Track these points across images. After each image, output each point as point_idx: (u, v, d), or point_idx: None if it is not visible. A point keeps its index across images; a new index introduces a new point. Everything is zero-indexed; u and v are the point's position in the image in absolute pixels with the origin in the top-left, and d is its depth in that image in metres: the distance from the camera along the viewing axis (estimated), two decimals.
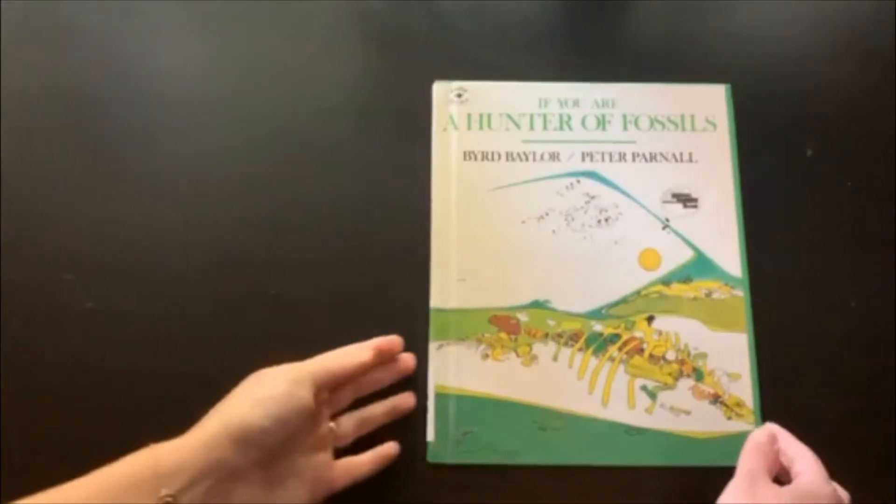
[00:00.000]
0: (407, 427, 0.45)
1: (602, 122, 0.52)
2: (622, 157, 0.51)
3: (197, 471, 0.35)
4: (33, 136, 0.51)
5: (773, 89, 0.54)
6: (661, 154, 0.51)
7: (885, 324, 0.49)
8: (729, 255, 0.49)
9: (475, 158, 0.51)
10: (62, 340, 0.47)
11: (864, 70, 0.54)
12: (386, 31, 0.55)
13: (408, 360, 0.46)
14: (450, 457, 0.45)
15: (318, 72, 0.54)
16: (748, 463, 0.39)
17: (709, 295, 0.48)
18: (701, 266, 0.49)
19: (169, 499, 0.34)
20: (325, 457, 0.41)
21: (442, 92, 0.52)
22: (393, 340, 0.45)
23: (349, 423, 0.43)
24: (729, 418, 0.46)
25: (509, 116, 0.52)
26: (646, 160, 0.51)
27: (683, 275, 0.48)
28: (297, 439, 0.39)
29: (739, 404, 0.46)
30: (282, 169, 0.51)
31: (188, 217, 0.50)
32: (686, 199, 0.50)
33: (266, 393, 0.38)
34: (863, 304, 0.49)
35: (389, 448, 0.44)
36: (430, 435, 0.45)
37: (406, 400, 0.45)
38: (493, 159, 0.51)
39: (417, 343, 0.47)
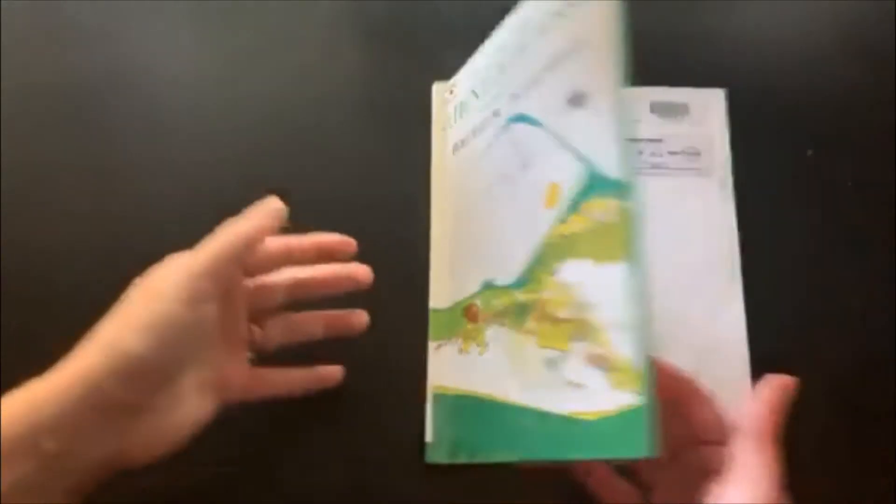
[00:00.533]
0: (408, 427, 0.46)
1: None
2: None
3: (80, 415, 0.29)
4: (34, 136, 0.51)
5: (774, 89, 0.54)
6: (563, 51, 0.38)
7: (886, 324, 0.49)
8: (610, 152, 0.34)
9: (460, 148, 0.49)
10: (62, 341, 0.47)
11: (865, 70, 0.55)
12: (386, 32, 0.55)
13: (360, 269, 0.40)
14: (444, 457, 0.44)
15: (318, 72, 0.54)
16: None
17: (599, 220, 0.34)
18: (592, 183, 0.35)
19: (53, 448, 0.29)
20: (239, 361, 0.37)
21: (441, 92, 0.52)
22: (333, 238, 0.39)
23: (275, 327, 0.38)
24: (614, 388, 0.31)
25: (473, 91, 0.48)
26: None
27: (576, 202, 0.36)
28: (200, 350, 0.34)
29: (624, 367, 0.31)
30: (281, 170, 0.51)
31: (188, 215, 0.50)
32: (579, 99, 0.36)
33: (156, 313, 0.31)
34: (863, 305, 0.49)
35: (331, 371, 0.40)
36: (428, 436, 0.45)
37: (351, 318, 0.40)
38: (469, 143, 0.48)
39: (418, 345, 0.47)
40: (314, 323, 0.40)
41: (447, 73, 0.52)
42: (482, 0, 0.56)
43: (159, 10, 0.54)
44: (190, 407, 0.34)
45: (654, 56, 0.54)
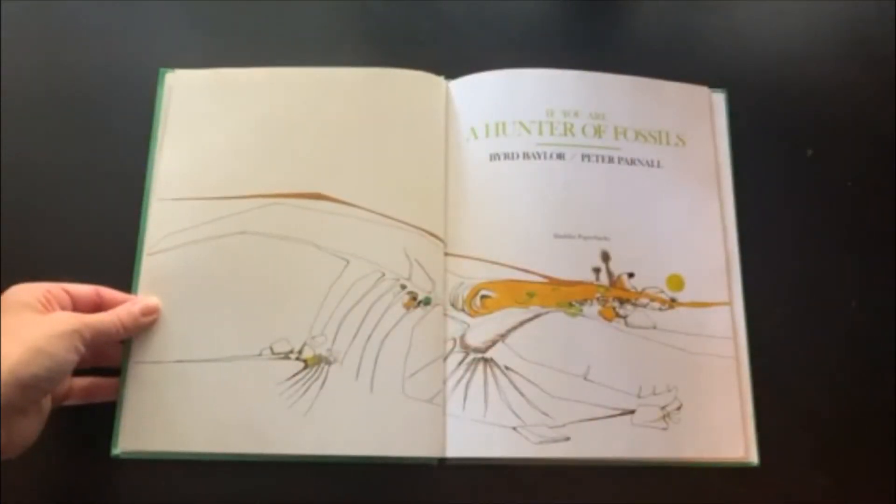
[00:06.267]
0: None
1: None
2: None
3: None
4: (33, 137, 0.51)
5: (774, 89, 0.54)
6: None
7: (886, 324, 0.49)
8: None
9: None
10: None
11: (865, 70, 0.55)
12: (388, 32, 0.55)
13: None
14: None
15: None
16: None
17: None
18: None
19: None
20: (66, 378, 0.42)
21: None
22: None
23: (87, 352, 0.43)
24: None
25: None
26: None
27: None
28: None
29: None
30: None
31: None
32: None
33: (47, 342, 0.37)
34: (863, 305, 0.49)
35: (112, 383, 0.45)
36: None
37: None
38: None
39: None
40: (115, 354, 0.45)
41: (447, 71, 0.52)
42: (483, 0, 0.56)
43: (159, 10, 0.55)
44: (45, 411, 0.40)
45: (655, 56, 0.54)
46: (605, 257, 0.48)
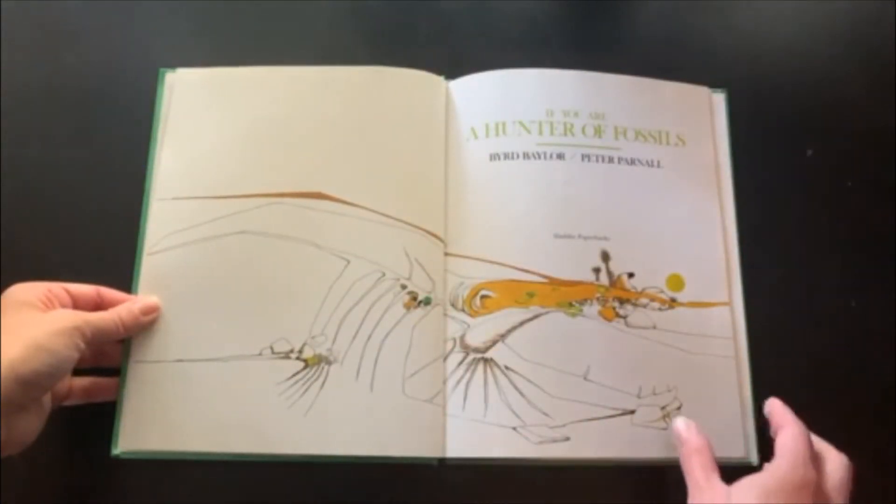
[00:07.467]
0: None
1: None
2: None
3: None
4: (33, 137, 0.51)
5: (774, 89, 0.54)
6: None
7: (886, 324, 0.49)
8: None
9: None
10: None
11: (865, 70, 0.55)
12: (388, 32, 0.55)
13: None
14: None
15: None
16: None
17: None
18: None
19: None
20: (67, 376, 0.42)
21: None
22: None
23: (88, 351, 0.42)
24: None
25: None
26: None
27: None
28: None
29: None
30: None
31: None
32: None
33: (47, 339, 0.37)
34: (863, 305, 0.49)
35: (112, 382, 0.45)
36: None
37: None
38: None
39: None
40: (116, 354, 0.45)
41: (447, 71, 0.52)
42: (483, 0, 0.56)
43: (159, 10, 0.55)
44: (46, 409, 0.41)
45: (655, 56, 0.54)
46: (605, 257, 0.48)
